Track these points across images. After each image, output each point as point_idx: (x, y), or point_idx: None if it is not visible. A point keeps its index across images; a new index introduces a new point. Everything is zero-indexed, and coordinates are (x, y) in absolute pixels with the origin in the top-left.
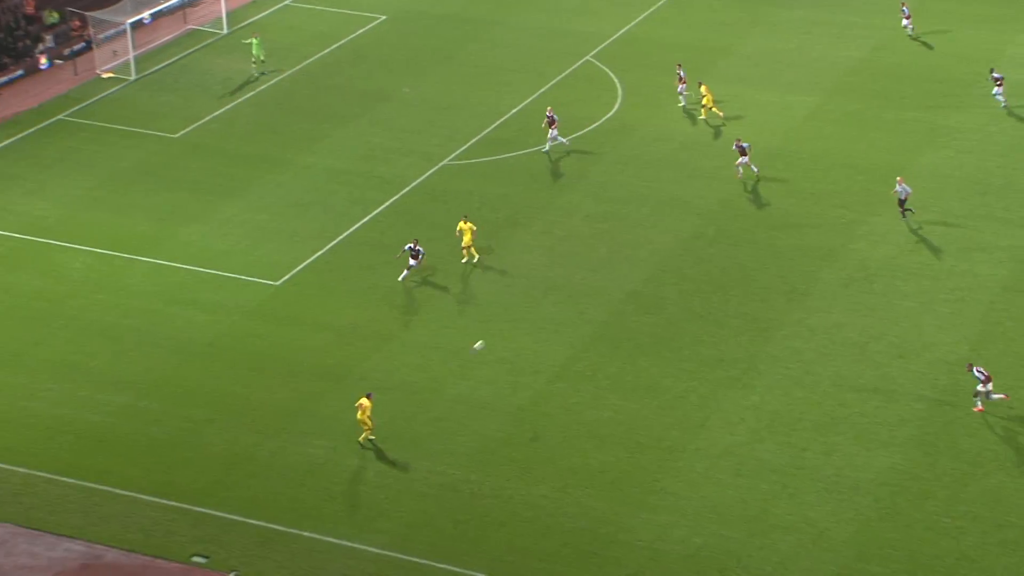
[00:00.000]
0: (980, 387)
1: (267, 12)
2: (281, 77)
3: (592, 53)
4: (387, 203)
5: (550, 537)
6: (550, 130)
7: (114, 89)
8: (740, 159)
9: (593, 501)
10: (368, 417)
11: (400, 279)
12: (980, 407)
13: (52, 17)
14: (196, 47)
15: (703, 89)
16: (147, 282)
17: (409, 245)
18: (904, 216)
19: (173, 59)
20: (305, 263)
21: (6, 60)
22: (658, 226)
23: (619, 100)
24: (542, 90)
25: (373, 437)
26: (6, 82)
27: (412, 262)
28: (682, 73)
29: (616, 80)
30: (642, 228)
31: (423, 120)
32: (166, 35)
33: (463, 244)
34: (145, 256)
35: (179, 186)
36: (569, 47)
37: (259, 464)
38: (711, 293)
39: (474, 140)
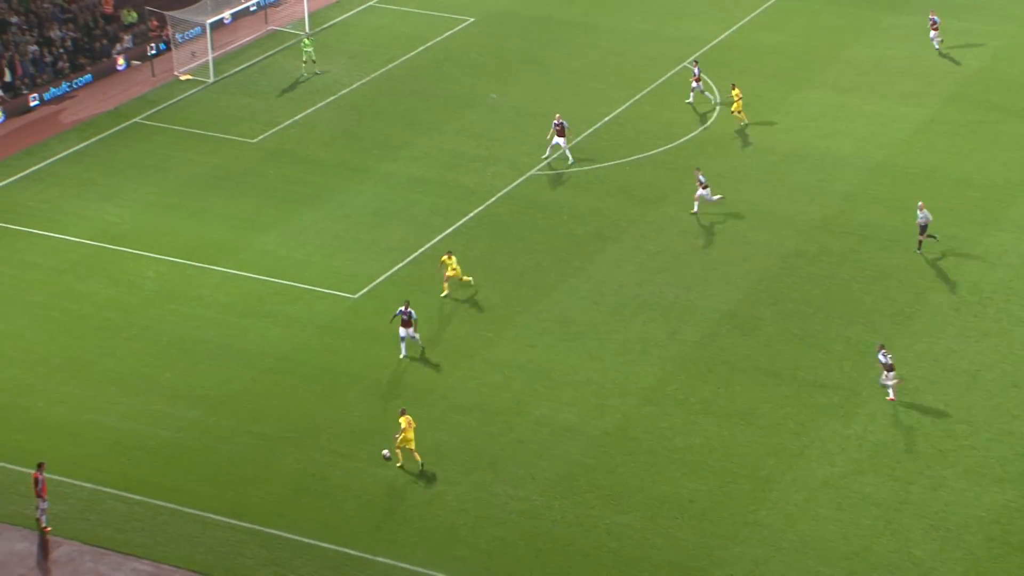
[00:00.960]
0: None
1: (351, 13)
2: (364, 81)
3: (689, 59)
4: (471, 214)
5: (637, 569)
6: (556, 138)
7: (192, 92)
8: (699, 191)
9: (683, 532)
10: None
11: (401, 357)
12: (892, 396)
13: (130, 16)
14: (277, 49)
15: (735, 92)
16: (221, 292)
17: (400, 309)
18: (920, 248)
19: (253, 61)
20: (385, 275)
21: (83, 60)
22: (756, 243)
23: (716, 110)
24: (636, 97)
25: (400, 462)
26: (83, 83)
27: (403, 331)
28: (697, 71)
29: (714, 88)
30: (739, 245)
31: (510, 128)
32: (246, 36)
33: (445, 275)
34: (219, 265)
35: (256, 193)
36: (665, 52)
37: (332, 485)
38: (812, 314)
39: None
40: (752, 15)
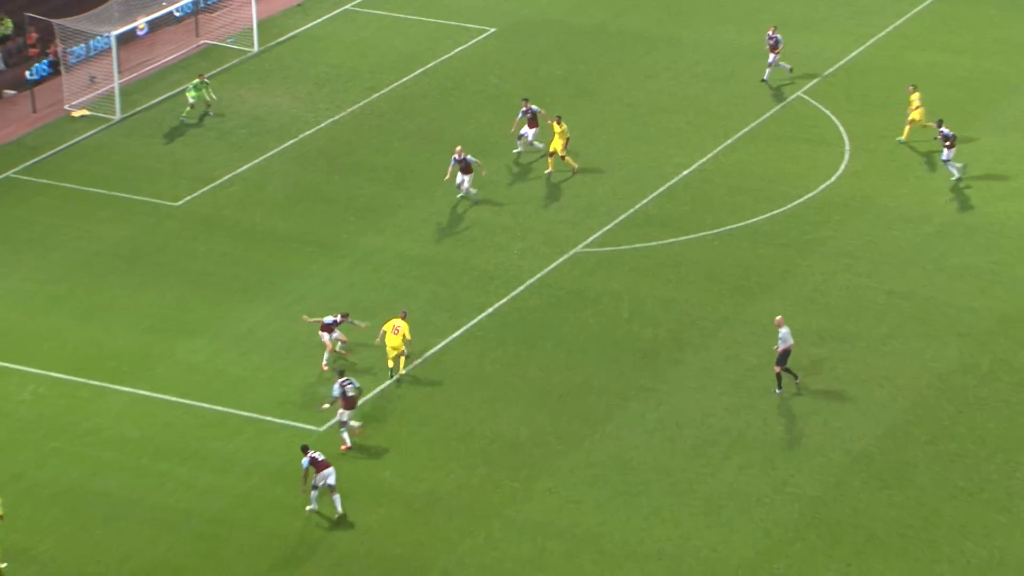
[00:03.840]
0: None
1: (318, 21)
2: (337, 118)
3: (806, 87)
4: (490, 309)
5: None
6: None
7: (90, 133)
8: None
9: None
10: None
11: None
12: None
13: (2, 27)
14: (212, 71)
15: (914, 97)
16: (127, 423)
17: (342, 381)
18: None
19: (177, 90)
20: (364, 399)
21: None
22: (902, 352)
23: (845, 158)
24: (728, 141)
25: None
26: None
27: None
28: (776, 36)
29: (840, 128)
30: (878, 355)
31: (547, 186)
32: (169, 54)
33: (391, 348)
34: (125, 385)
35: (180, 280)
36: (770, 77)
37: None
38: (984, 460)
39: (622, 217)
40: (897, 23)
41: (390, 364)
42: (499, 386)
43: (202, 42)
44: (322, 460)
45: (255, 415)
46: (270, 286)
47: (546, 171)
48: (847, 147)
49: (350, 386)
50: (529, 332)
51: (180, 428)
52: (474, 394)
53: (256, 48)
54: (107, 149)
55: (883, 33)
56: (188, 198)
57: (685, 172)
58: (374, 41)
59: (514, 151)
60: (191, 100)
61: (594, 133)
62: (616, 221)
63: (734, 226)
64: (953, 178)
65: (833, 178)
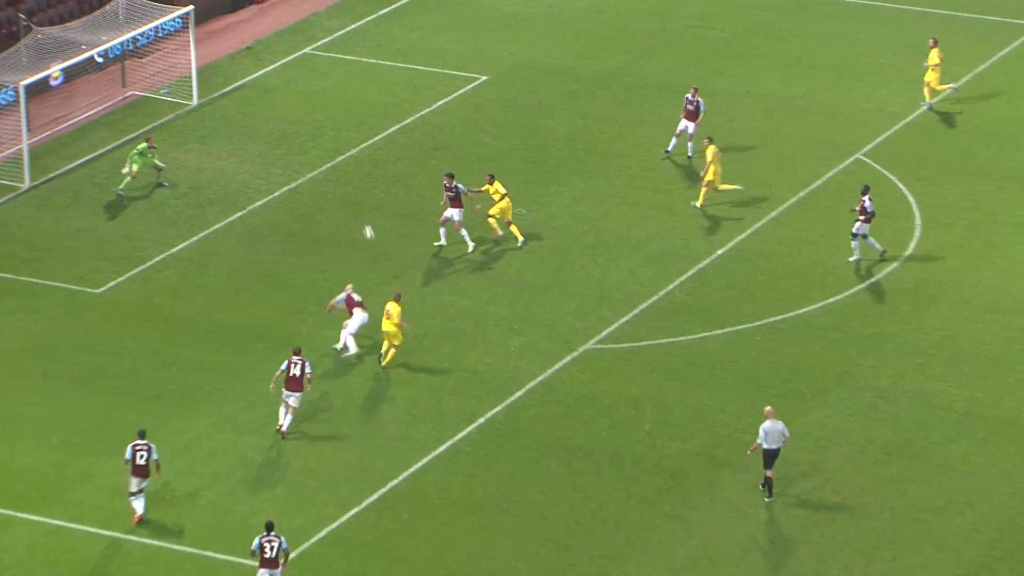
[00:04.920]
0: None
1: (272, 67)
2: (294, 185)
3: (867, 148)
4: (482, 419)
5: None
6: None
7: None
8: None
9: None
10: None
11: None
12: None
13: None
14: (141, 130)
15: (934, 52)
16: (38, 560)
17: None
18: None
19: (99, 152)
20: (323, 532)
21: None
22: (986, 473)
23: (915, 235)
24: (772, 214)
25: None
26: None
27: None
28: (697, 100)
29: (909, 197)
30: (956, 476)
31: (549, 269)
32: (90, 108)
33: (388, 333)
34: (35, 513)
35: (102, 384)
36: (822, 134)
37: None
38: None
39: (643, 305)
40: (978, 70)
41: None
42: (493, 514)
43: (130, 93)
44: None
45: (194, 550)
46: (212, 391)
47: (491, 237)
48: (917, 221)
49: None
50: (529, 448)
51: (101, 566)
52: (461, 523)
53: (196, 100)
54: (13, 224)
55: (961, 82)
56: (112, 284)
57: (720, 251)
58: (339, 92)
59: (435, 243)
60: (133, 170)
61: (608, 203)
62: (636, 311)
63: (780, 317)
64: (853, 258)
65: (901, 259)
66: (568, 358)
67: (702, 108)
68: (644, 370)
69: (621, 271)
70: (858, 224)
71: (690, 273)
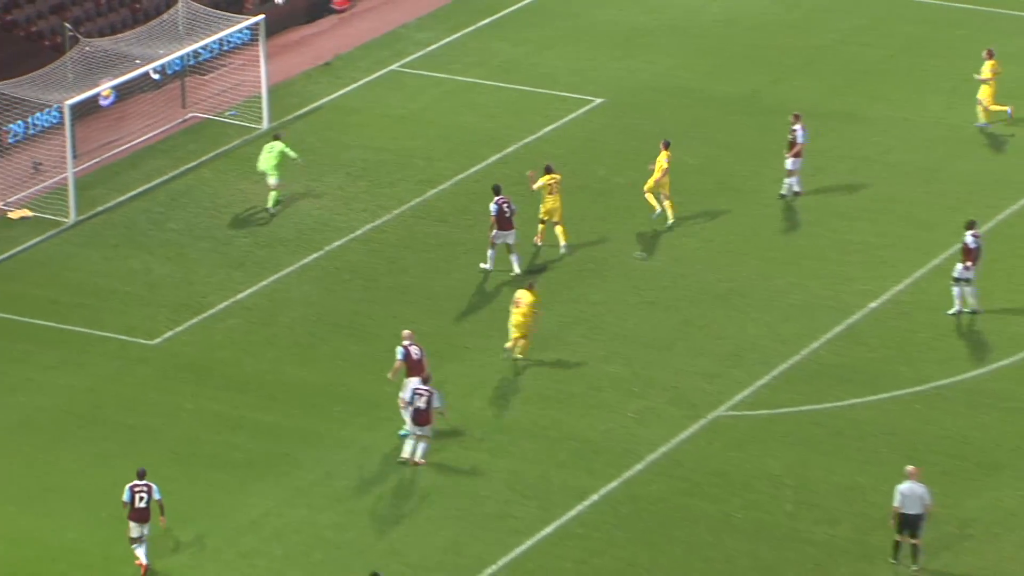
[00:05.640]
0: None
1: (353, 86)
2: (376, 224)
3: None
4: (595, 496)
5: None
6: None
7: (32, 243)
8: None
9: None
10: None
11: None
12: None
13: None
14: (204, 157)
15: (988, 65)
16: None
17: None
18: None
19: (155, 182)
20: None
21: None
22: None
23: None
24: (935, 261)
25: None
26: None
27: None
28: (797, 128)
29: None
30: None
31: (674, 323)
32: (144, 131)
33: (512, 325)
34: None
35: (156, 449)
36: (994, 169)
37: None
38: None
39: (783, 366)
40: None
41: (507, 345)
42: None
43: (191, 115)
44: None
45: None
46: (283, 460)
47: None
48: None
49: None
50: (650, 530)
51: None
52: None
53: (266, 124)
54: (56, 264)
55: None
56: (169, 334)
57: (873, 304)
58: (431, 115)
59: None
60: (275, 181)
61: (743, 246)
62: (775, 372)
63: (944, 382)
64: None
65: None
66: (695, 426)
67: (799, 139)
68: (784, 441)
69: (758, 326)
70: (960, 268)
71: (839, 329)
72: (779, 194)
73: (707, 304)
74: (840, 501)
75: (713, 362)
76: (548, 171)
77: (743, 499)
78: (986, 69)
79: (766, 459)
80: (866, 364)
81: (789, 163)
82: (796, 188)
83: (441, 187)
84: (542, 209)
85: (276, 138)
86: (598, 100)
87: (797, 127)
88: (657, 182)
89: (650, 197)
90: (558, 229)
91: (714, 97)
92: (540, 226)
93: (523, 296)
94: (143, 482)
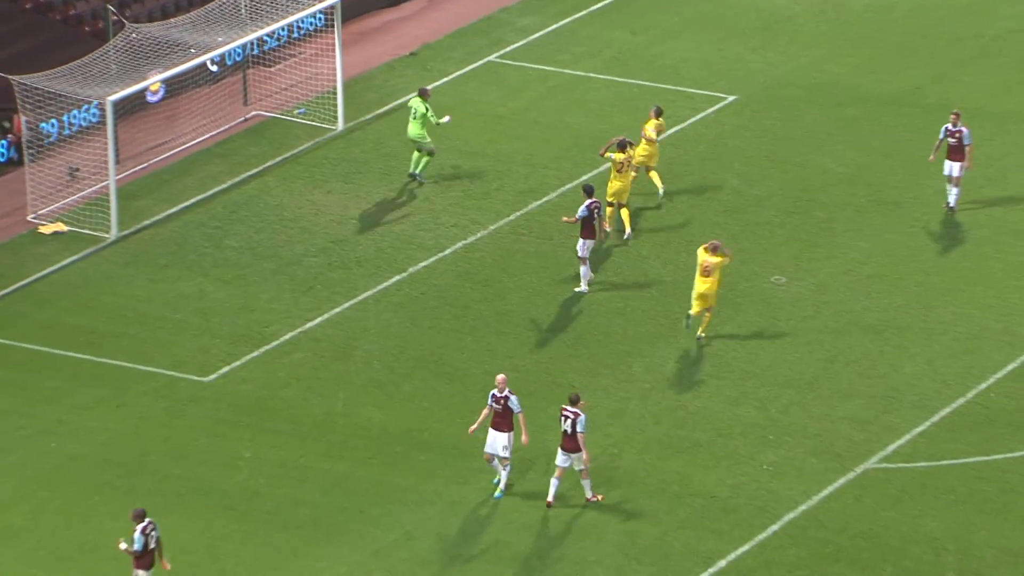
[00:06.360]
0: None
1: (444, 80)
2: (473, 240)
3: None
4: (723, 561)
5: None
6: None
7: (68, 261)
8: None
9: None
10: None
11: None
12: None
13: None
14: (269, 163)
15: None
16: None
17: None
18: None
19: (210, 191)
20: None
21: None
22: None
23: None
24: None
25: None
26: None
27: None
28: (960, 130)
29: None
30: None
31: (817, 359)
32: (199, 132)
33: (695, 295)
34: None
35: (209, 504)
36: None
37: None
38: None
39: (945, 411)
40: None
41: (691, 312)
42: None
43: (254, 113)
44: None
45: None
46: (358, 517)
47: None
48: None
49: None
50: None
51: None
52: None
53: (341, 124)
54: (95, 287)
55: None
56: (225, 370)
57: None
58: (534, 114)
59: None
60: (424, 143)
61: (899, 269)
62: (935, 418)
63: None
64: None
65: None
66: (841, 481)
67: (966, 140)
68: (946, 499)
69: (916, 363)
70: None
71: (1012, 367)
72: (946, 206)
73: (856, 337)
74: (1010, 569)
75: (863, 405)
76: (622, 147)
77: (897, 567)
78: None
79: (924, 520)
80: None
81: (957, 169)
82: (951, 203)
83: (546, 198)
84: (608, 190)
85: (421, 95)
86: (730, 98)
87: (962, 127)
88: (648, 156)
89: (653, 176)
90: (624, 212)
91: (867, 95)
92: (608, 209)
93: (711, 261)
94: (149, 519)
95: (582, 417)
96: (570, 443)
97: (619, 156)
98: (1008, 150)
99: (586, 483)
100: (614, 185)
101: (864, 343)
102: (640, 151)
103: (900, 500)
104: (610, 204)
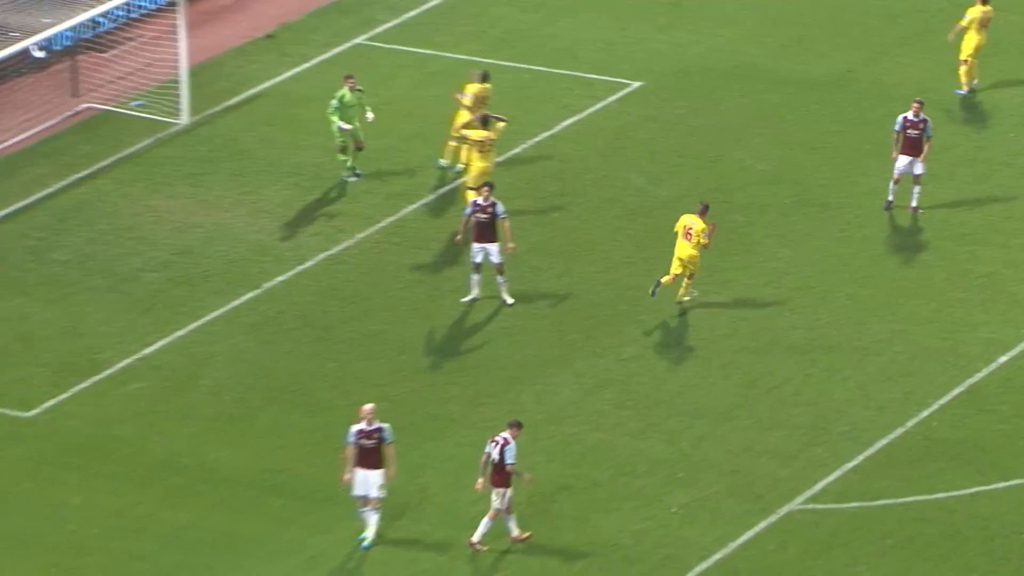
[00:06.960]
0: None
1: (305, 65)
2: (338, 251)
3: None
4: None
5: None
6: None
7: None
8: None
9: None
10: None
11: None
12: None
13: None
14: (102, 163)
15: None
16: None
17: None
18: None
19: (34, 196)
20: None
21: None
22: None
23: None
24: None
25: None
26: None
27: None
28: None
29: None
30: None
31: (734, 385)
32: (21, 128)
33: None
34: None
35: (27, 560)
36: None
37: None
38: None
39: (881, 443)
40: None
41: (663, 279)
42: None
43: (85, 106)
44: None
45: None
46: (203, 574)
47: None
48: None
49: None
50: None
51: None
52: None
53: (186, 118)
54: None
55: None
56: (50, 403)
57: (1002, 358)
58: (408, 104)
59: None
60: (343, 126)
61: (829, 282)
62: (869, 451)
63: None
64: None
65: None
66: (762, 524)
67: (927, 132)
68: (882, 545)
69: (847, 388)
70: None
71: (956, 391)
72: (885, 202)
73: (778, 359)
74: None
75: (786, 437)
76: (484, 122)
77: None
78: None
79: (857, 569)
80: (993, 439)
81: (920, 166)
82: (913, 202)
83: (421, 201)
84: (468, 173)
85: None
86: (634, 84)
87: (925, 118)
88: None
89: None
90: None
91: (790, 80)
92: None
93: (694, 223)
94: None
95: (511, 445)
96: (496, 476)
97: (479, 134)
98: (955, 141)
99: (510, 520)
100: (476, 167)
101: (788, 366)
102: (457, 118)
103: (829, 546)
104: (470, 190)
